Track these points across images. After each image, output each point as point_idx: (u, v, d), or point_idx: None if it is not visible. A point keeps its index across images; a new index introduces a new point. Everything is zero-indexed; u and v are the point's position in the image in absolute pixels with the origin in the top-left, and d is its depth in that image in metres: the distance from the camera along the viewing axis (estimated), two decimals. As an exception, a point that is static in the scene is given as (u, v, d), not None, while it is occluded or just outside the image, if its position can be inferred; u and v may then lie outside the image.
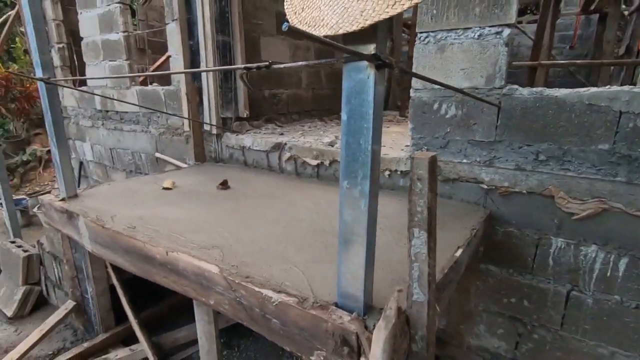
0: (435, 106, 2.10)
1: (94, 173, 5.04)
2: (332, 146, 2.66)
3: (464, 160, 2.10)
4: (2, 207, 3.53)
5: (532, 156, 1.89)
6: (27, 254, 2.88)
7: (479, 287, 2.19)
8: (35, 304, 2.96)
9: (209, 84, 3.09)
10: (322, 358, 1.10)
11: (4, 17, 7.88)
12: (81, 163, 5.20)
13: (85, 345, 2.37)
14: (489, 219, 2.01)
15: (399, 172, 2.33)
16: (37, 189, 7.04)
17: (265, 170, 2.99)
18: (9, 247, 3.01)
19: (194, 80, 3.21)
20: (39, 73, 2.06)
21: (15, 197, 4.81)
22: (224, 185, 2.50)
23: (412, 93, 2.16)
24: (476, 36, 1.89)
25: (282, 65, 1.03)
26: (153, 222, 1.85)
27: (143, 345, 2.30)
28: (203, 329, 1.74)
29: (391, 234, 1.70)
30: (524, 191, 1.92)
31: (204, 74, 3.09)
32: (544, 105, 1.79)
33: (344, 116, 0.97)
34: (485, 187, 2.03)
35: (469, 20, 1.89)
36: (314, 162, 2.67)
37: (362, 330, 0.95)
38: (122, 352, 2.32)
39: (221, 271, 1.33)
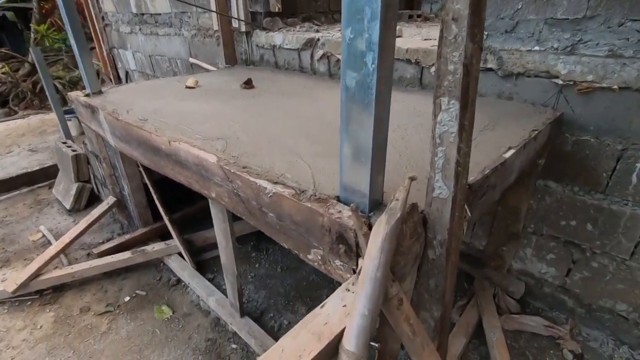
0: (506, -29, 1.58)
1: (149, 79, 5.08)
2: (371, 39, 2.25)
3: (536, 48, 1.63)
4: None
5: (637, 36, 1.38)
6: (75, 153, 3.04)
7: (532, 206, 1.87)
8: (89, 200, 3.22)
9: (234, -32, 2.70)
10: (319, 257, 0.94)
11: None
12: (127, 72, 5.26)
13: (127, 237, 2.54)
14: (557, 123, 1.60)
15: (448, 68, 1.91)
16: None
17: (297, 72, 2.70)
18: (60, 146, 3.21)
19: (219, -34, 2.82)
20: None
21: (71, 107, 5.08)
22: (248, 84, 2.28)
23: (475, -45, 1.64)
24: None
25: None
26: (165, 115, 1.73)
27: (176, 240, 2.40)
28: (219, 227, 1.69)
29: (425, 133, 1.41)
30: (615, 86, 1.46)
31: (228, -43, 2.69)
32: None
33: None
34: (561, 82, 1.58)
35: None
36: (349, 60, 2.31)
37: (359, 224, 0.75)
38: (158, 245, 2.46)
39: (218, 160, 1.18)
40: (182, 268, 2.34)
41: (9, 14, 9.53)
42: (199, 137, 1.41)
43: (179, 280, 2.34)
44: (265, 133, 1.44)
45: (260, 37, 2.87)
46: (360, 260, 0.82)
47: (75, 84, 8.20)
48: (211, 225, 1.71)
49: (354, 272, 0.85)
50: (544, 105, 1.67)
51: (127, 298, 2.22)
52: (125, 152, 1.91)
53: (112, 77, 5.68)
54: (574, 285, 1.88)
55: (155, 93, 2.20)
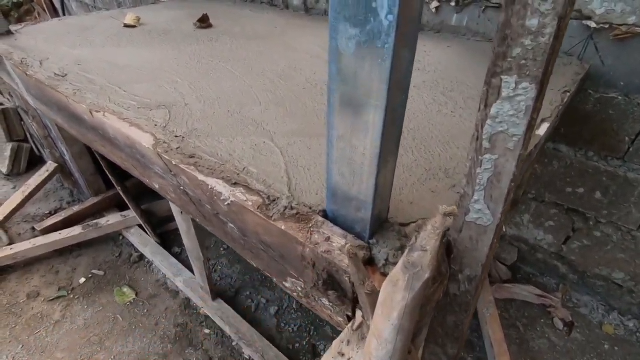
0: None
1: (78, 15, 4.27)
2: (357, -37, 1.79)
3: (569, -22, 1.27)
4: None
5: None
6: (2, 107, 2.53)
7: (536, 171, 1.67)
8: (30, 161, 2.78)
9: None
10: (299, 288, 0.69)
11: None
12: (63, 2, 4.40)
13: (76, 209, 2.21)
14: (584, 78, 1.32)
15: (453, 4, 1.54)
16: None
17: (266, 5, 2.21)
18: (-18, 99, 2.66)
19: None
20: None
21: None
22: (204, 22, 1.82)
23: None
24: None
25: None
26: (92, 68, 1.32)
27: (132, 211, 2.10)
28: (177, 210, 1.40)
29: (431, 95, 1.10)
30: (662, 32, 1.17)
31: None
32: None
33: None
34: (594, 25, 1.27)
35: None
36: (329, -10, 1.86)
37: (361, 276, 0.49)
38: (114, 217, 2.15)
39: (155, 145, 0.85)
40: (144, 243, 2.08)
41: None
42: (133, 104, 1.05)
43: (141, 256, 2.09)
44: (223, 97, 1.10)
45: (218, -43, 2.30)
46: (358, 310, 0.58)
47: (7, 16, 6.98)
48: (167, 207, 1.42)
49: (349, 319, 0.61)
50: (568, 54, 1.37)
51: (83, 280, 1.97)
52: (47, 115, 1.51)
53: (45, 7, 4.77)
54: (571, 253, 1.77)
55: (82, 35, 1.72)
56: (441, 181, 0.75)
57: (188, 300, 1.85)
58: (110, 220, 2.13)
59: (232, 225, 0.76)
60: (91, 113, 1.03)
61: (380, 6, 0.39)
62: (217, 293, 1.78)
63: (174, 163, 0.80)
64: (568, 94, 1.08)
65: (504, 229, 1.96)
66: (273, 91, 1.13)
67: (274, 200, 0.67)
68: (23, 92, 1.56)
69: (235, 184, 0.72)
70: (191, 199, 0.84)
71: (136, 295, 1.89)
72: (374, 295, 0.48)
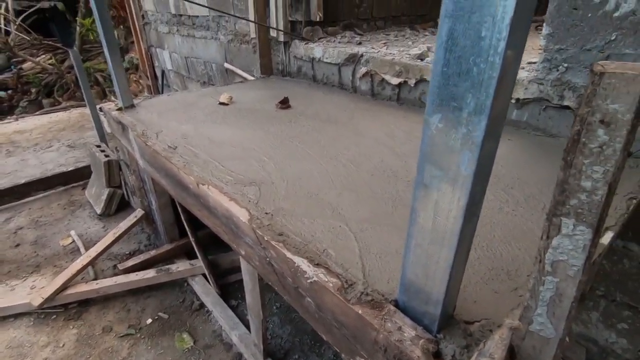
0: (601, -4, 1.32)
1: (174, 83, 5.07)
2: (422, 60, 2.03)
3: (631, 88, 1.35)
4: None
5: None
6: (107, 159, 3.02)
7: (605, 268, 1.60)
8: (119, 205, 3.20)
9: (275, -25, 2.54)
10: (366, 368, 0.77)
11: None
12: (163, 72, 5.27)
13: (152, 253, 2.48)
14: (652, 181, 1.33)
15: (513, 101, 1.66)
16: (134, 96, 7.57)
17: (336, 88, 2.51)
18: (94, 151, 3.20)
19: (260, -29, 2.67)
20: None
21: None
22: (284, 104, 2.13)
23: (562, -26, 1.39)
24: None
25: None
26: (196, 143, 1.60)
27: (201, 262, 2.31)
28: (246, 268, 1.56)
29: (492, 192, 1.19)
30: None
31: (270, -37, 2.53)
32: None
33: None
34: (660, 132, 1.30)
35: None
36: (395, 81, 2.10)
37: (431, 371, 0.57)
38: (183, 265, 2.37)
39: (250, 220, 1.02)
40: (206, 293, 2.24)
41: (60, 5, 9.88)
42: (230, 179, 1.27)
43: (202, 305, 2.25)
44: (303, 179, 1.28)
45: (299, 48, 2.70)
46: (424, 400, 0.64)
47: (115, 77, 8.39)
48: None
49: (414, 407, 0.67)
50: (634, 156, 1.40)
51: (149, 320, 2.15)
52: (153, 177, 1.81)
53: (149, 74, 5.73)
54: (650, 363, 1.60)
55: (187, 110, 2.08)
56: (503, 283, 0.81)
57: (240, 355, 1.93)
58: (180, 267, 2.35)
59: (310, 300, 0.87)
60: (197, 185, 1.26)
61: (461, 161, 0.52)
62: (267, 352, 1.84)
63: (265, 239, 0.95)
64: (634, 201, 1.11)
65: (571, 327, 1.84)
66: (346, 176, 1.30)
67: (351, 285, 0.79)
68: (136, 154, 1.90)
69: (318, 264, 0.85)
70: (275, 270, 0.98)
71: (194, 343, 2.01)
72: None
